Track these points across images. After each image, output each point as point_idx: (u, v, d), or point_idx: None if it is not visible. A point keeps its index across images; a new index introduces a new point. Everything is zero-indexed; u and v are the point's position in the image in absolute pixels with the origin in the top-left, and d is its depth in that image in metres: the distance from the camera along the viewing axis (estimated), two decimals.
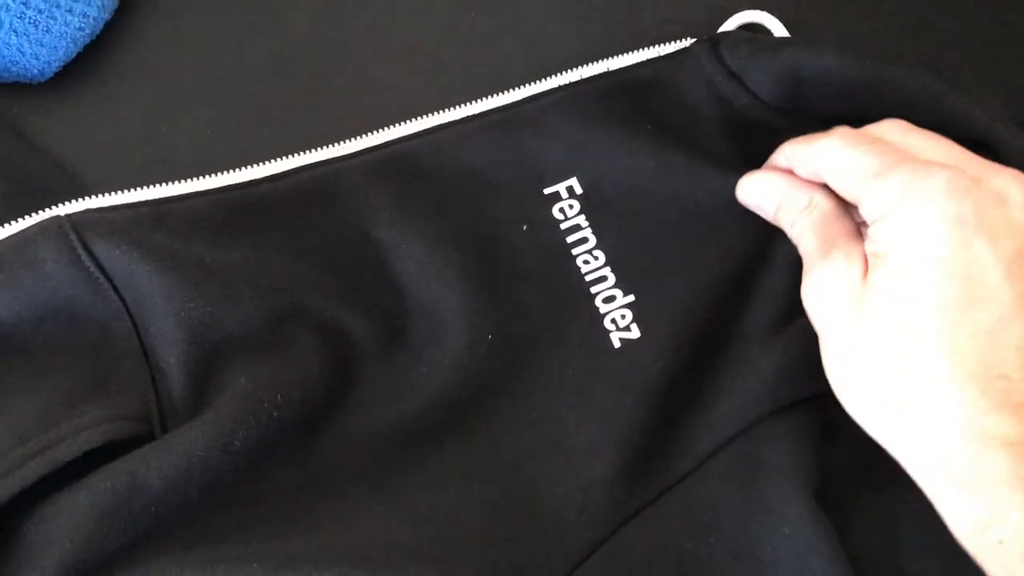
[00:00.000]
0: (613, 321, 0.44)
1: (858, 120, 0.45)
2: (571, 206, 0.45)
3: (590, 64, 0.47)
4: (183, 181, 0.44)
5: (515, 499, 0.41)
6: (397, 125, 0.46)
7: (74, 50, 0.46)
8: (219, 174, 0.45)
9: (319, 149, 0.45)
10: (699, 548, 0.40)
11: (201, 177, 0.44)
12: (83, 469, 0.38)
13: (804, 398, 0.42)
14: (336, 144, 0.46)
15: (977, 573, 0.41)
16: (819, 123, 0.45)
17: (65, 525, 0.37)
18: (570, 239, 0.45)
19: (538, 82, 0.47)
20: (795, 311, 0.43)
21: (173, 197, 0.43)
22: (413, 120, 0.46)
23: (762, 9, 0.49)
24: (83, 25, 0.46)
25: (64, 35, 0.46)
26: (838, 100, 0.44)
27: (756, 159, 0.46)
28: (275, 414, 0.40)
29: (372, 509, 0.40)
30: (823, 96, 0.45)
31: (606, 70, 0.47)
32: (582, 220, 0.45)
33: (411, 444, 0.42)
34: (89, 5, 0.46)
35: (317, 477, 0.41)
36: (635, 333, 0.43)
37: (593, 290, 0.44)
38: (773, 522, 0.40)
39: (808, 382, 0.42)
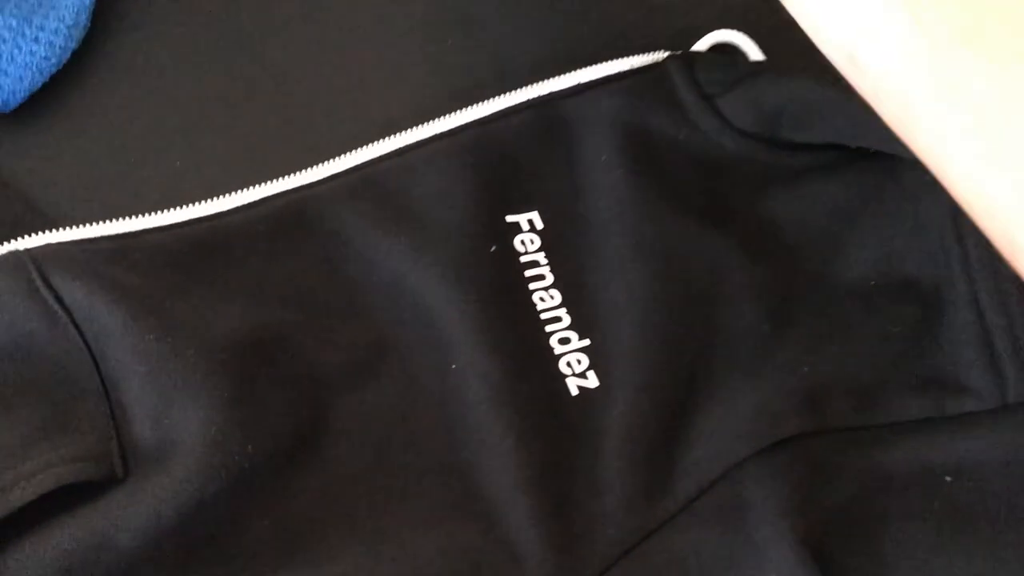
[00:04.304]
0: (569, 365, 0.43)
1: (836, 146, 0.44)
2: (532, 240, 0.45)
3: (562, 76, 0.46)
4: (149, 215, 0.43)
5: (496, 542, 0.40)
6: (369, 146, 0.45)
7: (40, 80, 0.46)
8: (187, 206, 0.44)
9: (290, 176, 0.45)
10: None
11: (168, 210, 0.44)
12: (46, 510, 0.37)
13: (789, 437, 0.41)
14: (307, 169, 0.45)
15: None
16: (790, 150, 0.44)
17: None
18: (528, 273, 0.44)
19: (509, 94, 0.46)
20: (768, 348, 0.43)
21: (137, 232, 0.43)
22: (385, 139, 0.46)
23: (737, 29, 0.48)
24: (49, 54, 0.45)
25: (29, 64, 0.45)
26: (814, 126, 0.44)
27: (718, 189, 0.45)
28: (246, 465, 0.39)
29: (351, 553, 0.39)
30: (799, 123, 0.44)
31: (576, 83, 0.46)
32: (541, 257, 0.44)
33: (390, 484, 0.41)
34: (56, 34, 0.46)
35: (294, 525, 0.40)
36: (592, 382, 0.43)
37: (548, 329, 0.43)
38: (757, 565, 0.39)
39: (791, 420, 0.42)
